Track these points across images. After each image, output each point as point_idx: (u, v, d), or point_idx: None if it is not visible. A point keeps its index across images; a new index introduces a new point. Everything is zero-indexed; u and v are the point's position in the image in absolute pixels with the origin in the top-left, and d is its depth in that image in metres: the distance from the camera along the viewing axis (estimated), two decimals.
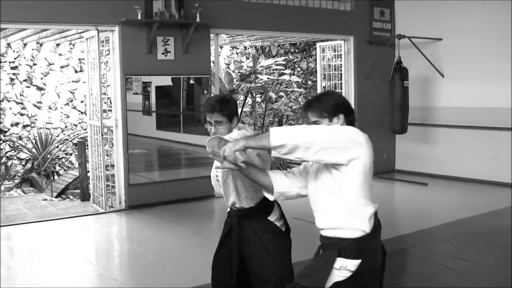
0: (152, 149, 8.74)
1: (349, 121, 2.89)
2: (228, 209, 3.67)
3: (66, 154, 12.71)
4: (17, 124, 12.14)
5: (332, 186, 2.76)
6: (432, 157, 10.53)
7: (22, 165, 12.24)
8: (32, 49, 12.23)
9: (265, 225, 3.52)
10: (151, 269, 5.55)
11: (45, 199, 10.69)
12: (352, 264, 2.73)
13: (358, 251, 2.74)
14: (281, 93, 14.51)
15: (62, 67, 12.59)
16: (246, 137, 2.73)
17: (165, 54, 8.30)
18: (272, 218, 3.54)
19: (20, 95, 12.12)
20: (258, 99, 14.67)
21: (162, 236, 6.89)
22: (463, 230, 6.84)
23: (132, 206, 8.16)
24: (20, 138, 12.16)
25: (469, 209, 7.85)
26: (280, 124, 14.19)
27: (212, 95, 9.08)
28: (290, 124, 14.75)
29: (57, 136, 12.52)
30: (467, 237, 6.50)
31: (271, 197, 3.07)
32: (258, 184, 3.07)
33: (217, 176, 3.54)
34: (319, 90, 11.12)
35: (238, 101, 13.91)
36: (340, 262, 2.75)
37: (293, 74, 14.59)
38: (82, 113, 12.69)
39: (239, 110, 13.44)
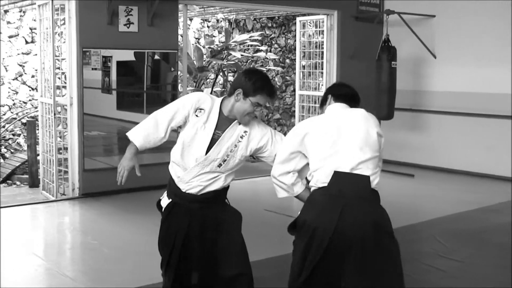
0: (112, 131, 8.66)
1: (337, 96, 3.68)
2: (167, 199, 3.59)
3: (13, 135, 12.54)
4: None
5: None
6: (421, 146, 10.60)
7: None
8: None
9: (228, 210, 3.52)
10: (107, 265, 5.51)
11: None
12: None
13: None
14: None
15: (10, 37, 12.37)
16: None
17: (128, 25, 8.21)
18: (226, 201, 3.58)
19: None
20: (231, 78, 14.60)
21: (120, 228, 6.83)
22: (453, 227, 6.89)
23: (87, 194, 8.10)
24: None
25: (460, 204, 7.92)
26: None
27: (179, 72, 8.98)
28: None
29: (4, 114, 12.34)
30: (457, 235, 6.55)
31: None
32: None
33: (229, 154, 3.44)
34: (297, 69, 11.10)
35: (208, 80, 13.85)
36: None
37: (270, 51, 14.54)
38: (32, 89, 12.51)
39: (209, 90, 13.37)
